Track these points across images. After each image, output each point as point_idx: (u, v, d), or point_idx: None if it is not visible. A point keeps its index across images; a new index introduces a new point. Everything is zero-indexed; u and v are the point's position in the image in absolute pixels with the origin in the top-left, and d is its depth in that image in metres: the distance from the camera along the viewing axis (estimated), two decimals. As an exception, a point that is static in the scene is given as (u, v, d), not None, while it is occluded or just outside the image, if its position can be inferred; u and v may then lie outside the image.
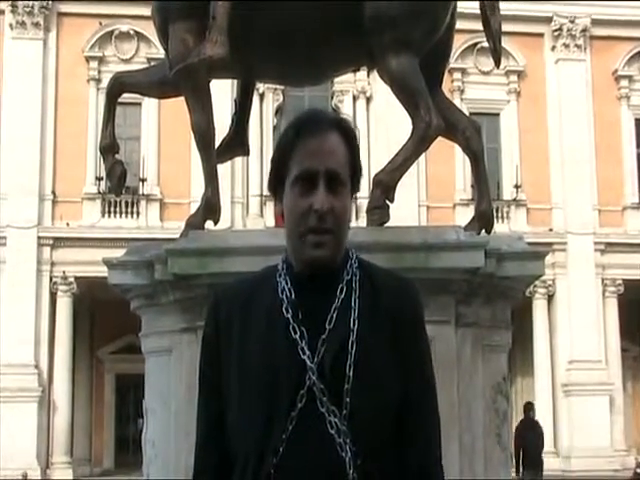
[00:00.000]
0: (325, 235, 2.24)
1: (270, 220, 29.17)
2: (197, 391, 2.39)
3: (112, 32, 30.83)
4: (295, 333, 2.20)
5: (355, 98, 31.64)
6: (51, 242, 29.30)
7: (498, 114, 32.43)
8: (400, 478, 2.23)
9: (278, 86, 26.61)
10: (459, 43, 28.81)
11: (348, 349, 2.18)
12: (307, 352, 2.18)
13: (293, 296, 2.26)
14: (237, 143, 5.94)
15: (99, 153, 6.03)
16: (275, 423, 2.16)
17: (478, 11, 5.75)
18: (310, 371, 2.16)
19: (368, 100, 31.35)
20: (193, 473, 2.36)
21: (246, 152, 6.07)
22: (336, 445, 2.13)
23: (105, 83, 6.67)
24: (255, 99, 6.54)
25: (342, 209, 2.26)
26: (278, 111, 31.33)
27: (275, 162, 2.33)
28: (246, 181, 30.45)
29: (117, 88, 5.80)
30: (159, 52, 9.55)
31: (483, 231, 5.42)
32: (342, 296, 2.25)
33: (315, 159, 2.25)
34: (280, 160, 2.30)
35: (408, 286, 2.37)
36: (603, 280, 31.74)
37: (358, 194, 2.42)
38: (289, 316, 2.22)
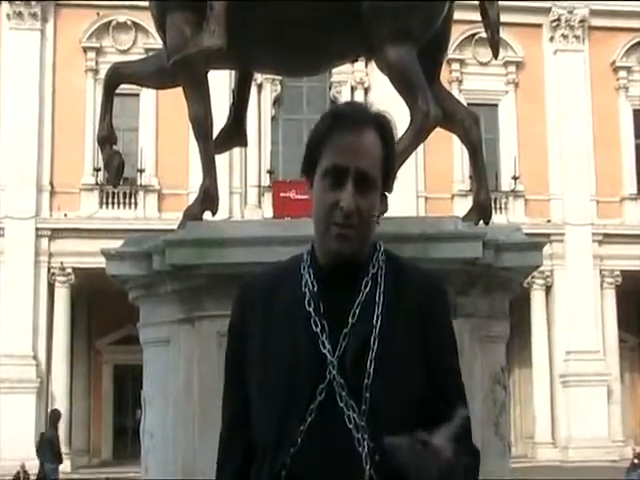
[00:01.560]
0: (349, 229, 2.23)
1: (268, 211, 29.17)
2: (223, 380, 2.39)
3: (110, 23, 30.79)
4: (316, 327, 2.20)
5: (353, 89, 31.61)
6: (49, 233, 29.31)
7: (496, 105, 32.43)
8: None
9: (276, 77, 26.57)
10: (457, 34, 28.77)
11: (370, 345, 2.17)
12: (327, 346, 2.17)
13: (315, 289, 2.25)
14: (235, 134, 5.93)
15: (97, 144, 6.02)
16: (294, 416, 2.16)
17: (476, 2, 5.74)
18: (330, 365, 2.16)
19: (366, 91, 31.30)
20: (217, 462, 2.36)
21: (244, 143, 6.06)
22: (354, 440, 2.13)
23: (103, 74, 6.68)
24: (253, 90, 6.54)
25: (368, 208, 2.26)
26: (276, 102, 31.32)
27: (308, 148, 2.32)
28: (244, 172, 30.45)
29: (115, 79, 5.79)
30: (157, 43, 9.52)
31: (481, 222, 5.42)
32: (367, 290, 2.24)
33: (347, 155, 2.23)
34: (313, 147, 2.30)
35: (435, 280, 2.37)
36: (601, 271, 31.79)
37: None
38: (311, 309, 2.22)
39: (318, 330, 2.20)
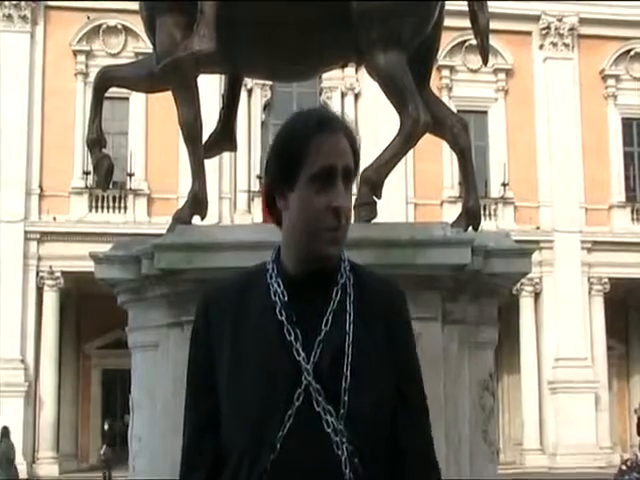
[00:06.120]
0: (340, 232, 2.25)
1: (258, 216, 29.15)
2: (185, 389, 2.37)
3: (100, 26, 30.75)
4: (290, 335, 2.21)
5: (343, 94, 31.64)
6: (38, 236, 29.22)
7: (486, 112, 32.50)
8: (396, 475, 2.25)
9: (266, 82, 26.58)
10: (447, 40, 28.83)
11: (345, 350, 2.20)
12: (302, 354, 2.19)
13: (286, 298, 2.26)
14: (225, 138, 5.92)
15: (86, 147, 6.01)
16: (272, 422, 2.16)
17: (466, 8, 5.75)
18: (306, 372, 2.17)
19: (356, 96, 31.35)
20: (181, 472, 2.34)
21: (234, 148, 6.05)
22: (332, 444, 2.14)
23: (92, 77, 6.66)
24: (243, 94, 6.54)
25: (350, 208, 2.32)
26: (266, 107, 31.31)
27: (286, 159, 2.26)
28: (234, 177, 30.43)
29: (104, 82, 5.78)
30: (147, 46, 9.46)
31: (470, 228, 5.42)
32: (337, 299, 2.26)
33: (334, 156, 2.25)
34: (292, 157, 2.25)
35: (396, 290, 2.41)
36: (589, 278, 31.86)
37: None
38: (283, 318, 2.23)
39: (292, 338, 2.21)
